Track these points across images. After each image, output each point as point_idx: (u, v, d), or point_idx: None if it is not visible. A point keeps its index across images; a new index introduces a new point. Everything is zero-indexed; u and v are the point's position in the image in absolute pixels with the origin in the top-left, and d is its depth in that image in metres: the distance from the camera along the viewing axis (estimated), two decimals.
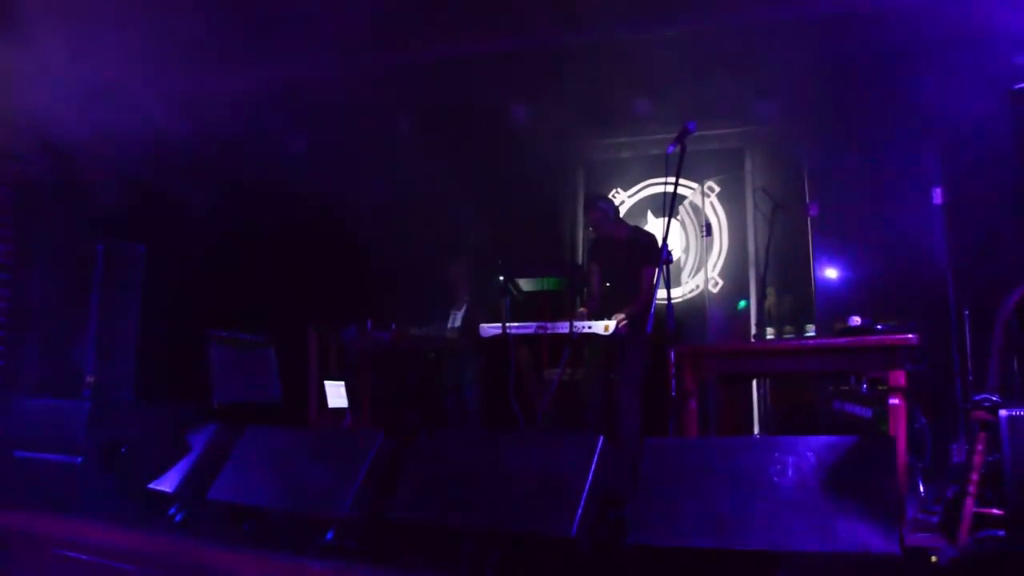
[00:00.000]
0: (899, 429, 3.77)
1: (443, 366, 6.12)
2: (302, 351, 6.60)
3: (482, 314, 5.80)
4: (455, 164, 6.95)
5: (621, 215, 5.95)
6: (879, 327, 4.26)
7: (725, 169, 7.25)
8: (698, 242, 7.29)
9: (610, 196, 7.31)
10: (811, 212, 6.46)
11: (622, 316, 4.89)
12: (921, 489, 4.65)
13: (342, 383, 6.66)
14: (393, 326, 5.91)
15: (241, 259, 7.07)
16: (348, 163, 7.11)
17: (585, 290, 5.78)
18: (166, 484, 4.38)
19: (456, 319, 6.17)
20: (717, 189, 7.34)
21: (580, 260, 7.42)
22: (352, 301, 6.88)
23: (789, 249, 6.40)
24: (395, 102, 7.07)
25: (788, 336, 6.12)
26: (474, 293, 6.10)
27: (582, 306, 5.44)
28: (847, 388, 5.24)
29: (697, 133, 4.26)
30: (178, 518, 4.17)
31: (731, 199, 7.26)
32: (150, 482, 4.41)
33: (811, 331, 6.10)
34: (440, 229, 6.88)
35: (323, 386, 6.62)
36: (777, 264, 6.07)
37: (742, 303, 6.96)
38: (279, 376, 5.94)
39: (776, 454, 3.14)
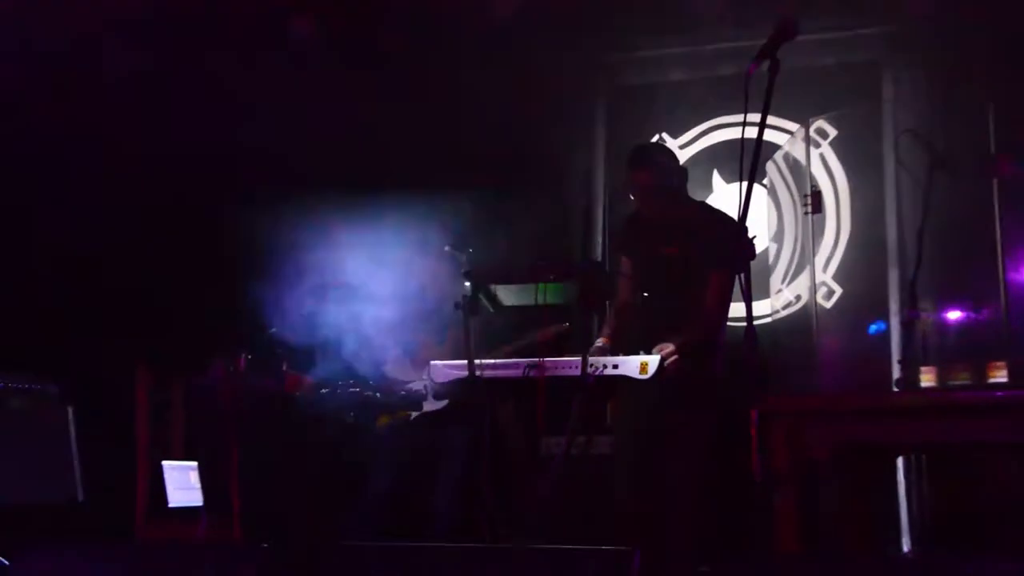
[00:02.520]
0: None
1: (376, 434, 6.17)
2: (125, 409, 6.63)
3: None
4: (392, 96, 6.99)
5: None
6: None
7: (848, 100, 7.30)
8: (799, 224, 7.30)
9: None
10: (1000, 172, 6.43)
11: (671, 348, 4.89)
12: None
13: (194, 464, 6.70)
14: (285, 366, 5.96)
15: (19, 255, 7.05)
16: (212, 95, 7.17)
17: (608, 304, 5.77)
18: None
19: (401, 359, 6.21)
20: (833, 134, 7.39)
21: (600, 255, 7.50)
22: (214, 324, 6.92)
23: (960, 235, 6.43)
24: None
25: (959, 383, 6.10)
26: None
27: (601, 332, 5.48)
28: None
29: (800, 38, 4.16)
30: None
31: (857, 150, 7.32)
32: None
33: (1001, 375, 6.08)
34: (370, 202, 6.86)
35: (161, 469, 6.62)
36: (938, 261, 6.08)
37: (876, 326, 6.97)
38: (81, 455, 5.89)
39: None
